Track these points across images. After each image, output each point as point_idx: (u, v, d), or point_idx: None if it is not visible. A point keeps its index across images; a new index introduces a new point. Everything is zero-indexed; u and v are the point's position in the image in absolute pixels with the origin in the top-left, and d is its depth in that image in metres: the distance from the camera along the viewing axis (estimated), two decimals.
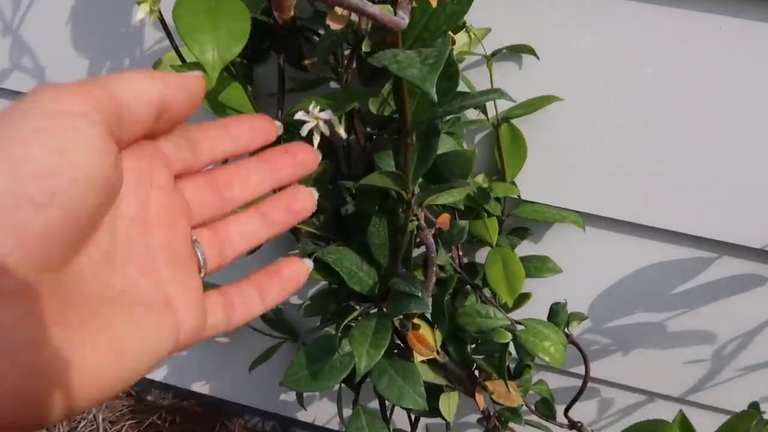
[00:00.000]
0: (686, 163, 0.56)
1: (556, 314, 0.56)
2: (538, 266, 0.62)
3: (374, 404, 0.62)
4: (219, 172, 0.26)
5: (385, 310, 0.53)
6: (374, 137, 0.51)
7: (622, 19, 0.51)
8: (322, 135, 0.36)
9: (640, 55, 0.52)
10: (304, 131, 0.32)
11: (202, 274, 0.25)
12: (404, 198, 0.45)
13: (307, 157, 0.27)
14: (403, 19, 0.31)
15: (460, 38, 0.51)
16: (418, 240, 0.50)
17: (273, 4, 0.36)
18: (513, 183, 0.59)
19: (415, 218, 0.49)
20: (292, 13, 0.35)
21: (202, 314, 0.23)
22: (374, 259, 0.51)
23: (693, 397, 0.71)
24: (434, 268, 0.48)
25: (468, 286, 0.59)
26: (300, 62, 0.51)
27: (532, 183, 0.60)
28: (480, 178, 0.59)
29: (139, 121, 0.21)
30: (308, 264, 0.28)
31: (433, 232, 0.50)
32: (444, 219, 0.51)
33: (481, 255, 0.67)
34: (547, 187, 0.60)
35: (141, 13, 0.36)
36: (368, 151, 0.47)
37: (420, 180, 0.46)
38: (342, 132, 0.33)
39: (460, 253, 0.59)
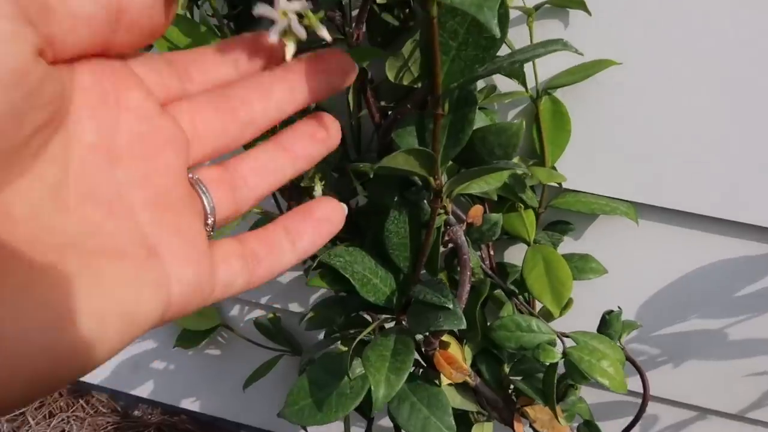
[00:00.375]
0: (763, 143, 0.46)
1: (610, 325, 0.46)
2: (579, 266, 0.53)
3: (387, 421, 0.52)
4: (232, 88, 0.22)
5: (405, 324, 0.43)
6: (390, 113, 0.41)
7: None
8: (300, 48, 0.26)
9: (721, 4, 0.42)
10: (272, 36, 0.22)
11: (209, 222, 0.21)
12: (432, 185, 0.36)
13: (341, 62, 0.23)
14: None
15: None
16: (445, 239, 0.40)
17: None
18: (554, 168, 0.49)
19: (443, 211, 0.39)
20: None
21: (207, 266, 0.20)
22: (392, 262, 0.41)
23: (753, 414, 0.62)
24: (469, 273, 0.39)
25: (501, 292, 0.50)
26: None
27: (576, 168, 0.50)
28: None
29: (83, 22, 0.17)
30: (343, 206, 0.24)
31: (463, 228, 0.40)
32: (476, 212, 0.42)
33: (511, 254, 0.57)
34: (594, 172, 0.51)
35: None
36: (384, 129, 0.37)
37: (448, 163, 0.36)
38: (324, 33, 0.23)
39: (491, 252, 0.49)
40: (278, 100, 0.23)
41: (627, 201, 0.51)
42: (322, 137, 0.24)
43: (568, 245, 0.55)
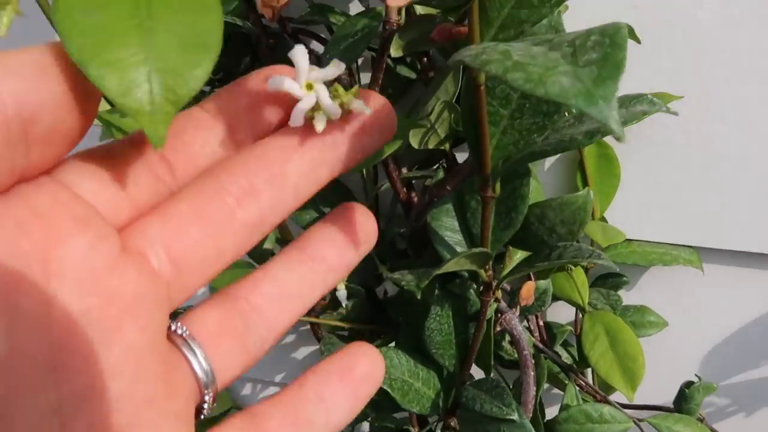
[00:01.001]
0: None
1: (691, 399, 0.39)
2: (636, 321, 0.46)
3: None
4: (226, 172, 0.16)
5: (455, 428, 0.36)
6: (425, 186, 0.34)
7: None
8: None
9: None
10: (296, 119, 0.16)
11: (206, 399, 0.15)
12: (483, 278, 0.29)
13: (385, 114, 0.17)
14: None
15: None
16: (497, 329, 0.33)
17: None
18: (603, 219, 0.42)
19: (494, 301, 0.32)
20: (284, 1, 0.18)
21: None
22: (433, 360, 0.34)
23: None
24: (533, 374, 0.32)
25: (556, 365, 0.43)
26: None
27: (627, 214, 0.44)
28: None
29: None
30: (383, 359, 0.19)
31: (517, 313, 0.34)
32: (529, 291, 0.35)
33: (555, 312, 0.50)
34: (648, 218, 0.44)
35: None
36: (417, 213, 0.30)
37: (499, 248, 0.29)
38: (364, 107, 0.17)
39: (540, 323, 0.42)
40: (296, 183, 0.17)
41: (687, 246, 0.44)
42: (357, 239, 0.18)
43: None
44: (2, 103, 0.12)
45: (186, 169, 0.16)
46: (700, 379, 0.40)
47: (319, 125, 0.17)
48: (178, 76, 0.14)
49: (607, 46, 0.15)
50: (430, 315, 0.32)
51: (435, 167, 0.38)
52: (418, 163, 0.37)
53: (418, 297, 0.24)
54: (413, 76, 0.34)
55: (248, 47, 0.32)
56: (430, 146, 0.34)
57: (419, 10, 0.31)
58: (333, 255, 0.18)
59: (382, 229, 0.40)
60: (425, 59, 0.35)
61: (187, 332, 0.16)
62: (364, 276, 0.37)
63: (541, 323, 0.42)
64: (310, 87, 0.17)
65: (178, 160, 0.16)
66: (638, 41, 0.36)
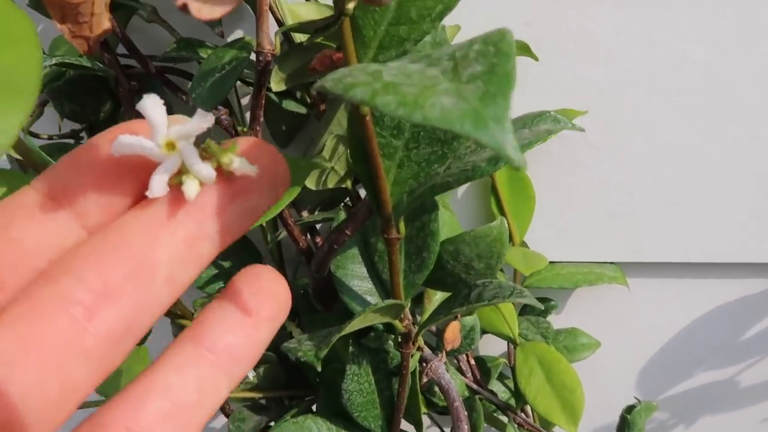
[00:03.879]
0: (742, 181, 0.40)
1: (633, 424, 0.37)
2: (569, 345, 0.44)
3: None
4: (77, 266, 0.12)
5: None
6: (327, 232, 0.30)
7: None
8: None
9: (685, 29, 0.35)
10: (156, 187, 0.12)
11: None
12: (399, 329, 0.26)
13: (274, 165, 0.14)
14: None
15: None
16: (424, 380, 0.30)
17: (53, 13, 0.14)
18: (524, 243, 0.40)
19: (416, 350, 0.29)
20: (103, 28, 0.14)
21: None
22: (357, 424, 0.30)
23: None
24: (466, 427, 0.28)
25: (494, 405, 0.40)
26: None
27: (546, 237, 0.42)
28: None
29: None
30: None
31: (443, 360, 0.30)
32: (454, 332, 0.31)
33: (486, 343, 0.48)
34: (567, 238, 0.42)
35: None
36: (318, 263, 0.27)
37: (414, 293, 0.26)
38: (250, 169, 0.13)
39: (471, 361, 0.39)
40: (169, 271, 0.13)
41: (611, 263, 0.43)
42: (268, 313, 0.14)
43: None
44: None
45: (18, 276, 0.12)
46: (639, 401, 0.38)
47: (190, 191, 0.13)
48: None
49: (492, 56, 0.12)
50: (347, 375, 0.28)
51: (339, 207, 0.35)
52: (320, 204, 0.34)
53: (319, 369, 0.20)
54: (303, 110, 0.31)
55: (107, 92, 0.28)
56: (330, 186, 0.31)
57: (298, 37, 0.28)
58: (239, 342, 0.13)
59: (289, 281, 0.36)
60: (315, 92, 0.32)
61: None
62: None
63: (472, 361, 0.39)
64: (172, 146, 0.13)
65: (4, 264, 0.12)
66: (536, 58, 0.35)
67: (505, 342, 0.42)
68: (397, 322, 0.25)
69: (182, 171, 0.13)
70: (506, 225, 0.25)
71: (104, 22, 0.14)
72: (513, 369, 0.38)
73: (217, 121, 0.29)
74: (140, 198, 0.13)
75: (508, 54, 0.12)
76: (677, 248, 0.43)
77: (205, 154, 0.13)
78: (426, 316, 0.28)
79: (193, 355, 0.13)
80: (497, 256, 0.25)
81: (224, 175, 0.13)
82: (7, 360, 0.11)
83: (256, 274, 0.14)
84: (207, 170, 0.13)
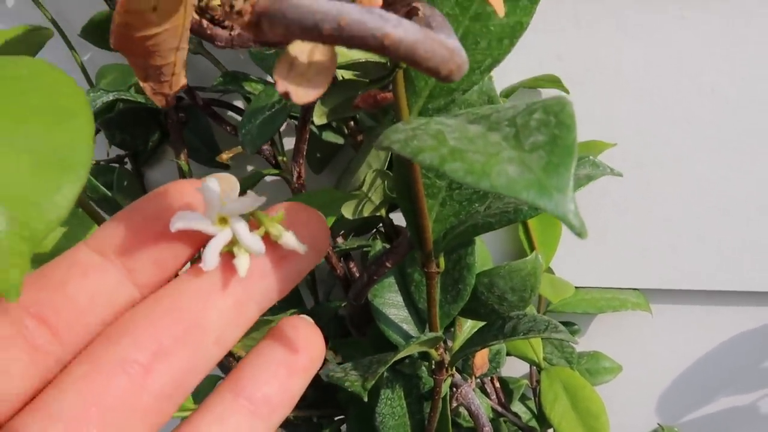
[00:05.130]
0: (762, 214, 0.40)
1: None
2: (591, 369, 0.45)
3: None
4: (126, 331, 0.13)
5: None
6: (363, 253, 0.31)
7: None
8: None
9: (713, 63, 0.36)
10: (209, 261, 0.13)
11: None
12: (434, 357, 0.26)
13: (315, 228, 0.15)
14: (458, 52, 0.12)
15: None
16: (453, 405, 0.31)
17: (137, 73, 0.16)
18: (550, 270, 0.41)
19: (449, 376, 0.29)
20: (180, 85, 0.16)
21: None
22: None
23: None
24: None
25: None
26: (213, 156, 0.32)
27: (572, 263, 0.42)
28: None
29: None
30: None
31: (472, 386, 0.31)
32: (483, 359, 0.32)
33: (508, 365, 0.48)
34: (593, 264, 0.43)
35: None
36: (357, 292, 0.27)
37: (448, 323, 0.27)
38: (296, 244, 0.14)
39: (496, 384, 0.40)
40: (218, 334, 0.13)
41: (634, 290, 0.43)
42: (304, 365, 0.15)
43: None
44: None
45: (74, 332, 0.12)
46: (661, 426, 0.38)
47: (242, 268, 0.13)
48: (31, 205, 0.11)
49: (554, 127, 0.13)
50: (381, 399, 0.29)
51: (372, 233, 0.36)
52: (353, 230, 0.35)
53: (365, 399, 0.21)
54: (341, 141, 0.32)
55: (156, 123, 0.29)
56: (365, 214, 0.32)
57: (340, 73, 0.29)
58: (276, 392, 0.14)
59: (321, 303, 0.37)
60: (352, 122, 0.33)
61: None
62: None
63: (497, 383, 0.40)
64: (224, 221, 0.14)
65: (61, 321, 0.12)
66: (567, 91, 0.35)
67: (526, 363, 0.42)
68: (432, 351, 0.26)
69: (233, 242, 0.14)
70: (540, 260, 0.26)
71: (182, 79, 0.16)
72: (537, 393, 0.38)
73: (258, 151, 0.30)
74: (191, 256, 0.14)
75: (570, 126, 0.13)
76: (700, 276, 0.43)
77: (254, 222, 0.14)
78: (458, 343, 0.29)
79: (232, 405, 0.14)
80: (531, 290, 0.26)
81: (271, 241, 0.14)
82: (73, 417, 0.12)
83: (294, 326, 0.15)
84: (257, 245, 0.13)
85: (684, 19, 0.35)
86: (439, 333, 0.23)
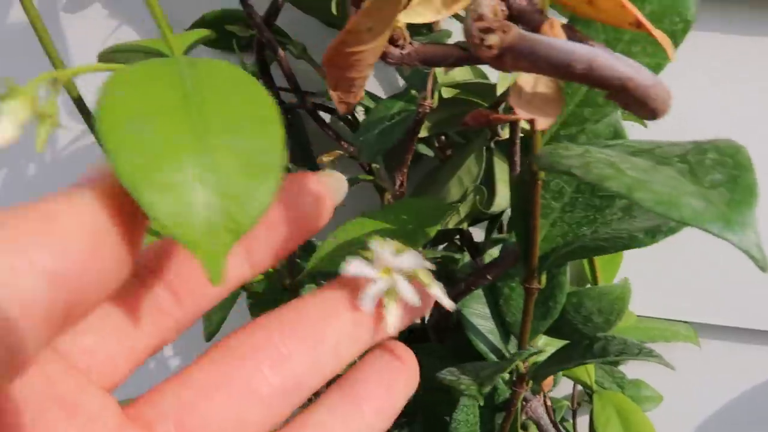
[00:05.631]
0: None
1: None
2: (633, 395, 0.45)
3: None
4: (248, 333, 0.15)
5: None
6: (464, 273, 0.32)
7: None
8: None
9: None
10: (366, 303, 0.14)
11: None
12: (521, 369, 0.27)
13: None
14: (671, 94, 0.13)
15: None
16: (523, 418, 0.32)
17: (329, 82, 0.17)
18: None
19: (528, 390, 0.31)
20: (360, 96, 0.17)
21: None
22: None
23: None
24: None
25: None
26: (308, 159, 0.33)
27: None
28: None
29: None
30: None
31: (541, 402, 0.32)
32: (550, 379, 0.33)
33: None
34: (647, 294, 0.44)
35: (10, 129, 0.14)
36: (452, 295, 0.29)
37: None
38: (447, 301, 0.15)
39: (548, 402, 0.41)
40: (335, 346, 0.15)
41: (684, 322, 0.44)
42: (405, 379, 0.16)
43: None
44: (52, 288, 0.10)
45: (195, 301, 0.14)
46: None
47: (392, 314, 0.15)
48: (239, 202, 0.12)
49: (732, 168, 0.14)
50: (460, 407, 0.30)
51: (444, 245, 0.37)
52: (429, 240, 0.36)
53: (481, 403, 0.22)
54: (431, 153, 0.34)
55: None
56: (450, 226, 0.33)
57: (445, 92, 0.31)
58: (381, 395, 0.15)
59: None
60: (443, 137, 0.34)
61: None
62: None
63: (549, 402, 0.41)
64: (387, 271, 0.15)
65: (185, 291, 0.14)
66: (645, 126, 0.37)
67: (568, 384, 0.43)
68: (520, 363, 0.27)
69: (387, 293, 0.15)
70: (630, 285, 0.27)
71: (362, 91, 0.17)
72: (590, 415, 0.39)
73: (352, 157, 0.31)
74: (296, 245, 0.16)
75: (748, 168, 0.14)
76: (750, 314, 0.44)
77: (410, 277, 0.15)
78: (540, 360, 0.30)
79: (340, 401, 0.15)
80: (617, 313, 0.27)
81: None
82: (203, 391, 0.13)
83: (395, 347, 0.16)
84: (413, 296, 0.15)
85: None
86: (536, 348, 0.24)
